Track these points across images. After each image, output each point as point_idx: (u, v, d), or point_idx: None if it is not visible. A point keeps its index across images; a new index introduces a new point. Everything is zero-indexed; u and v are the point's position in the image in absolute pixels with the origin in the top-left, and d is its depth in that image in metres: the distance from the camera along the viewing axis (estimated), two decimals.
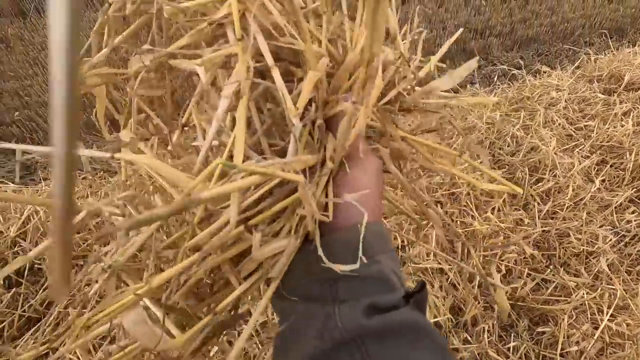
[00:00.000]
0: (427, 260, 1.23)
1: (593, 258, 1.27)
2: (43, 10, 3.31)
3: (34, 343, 1.04)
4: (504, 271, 1.22)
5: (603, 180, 1.53)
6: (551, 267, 1.26)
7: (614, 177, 1.56)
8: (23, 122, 2.29)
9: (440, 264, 1.23)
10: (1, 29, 3.08)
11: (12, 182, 1.81)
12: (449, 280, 1.19)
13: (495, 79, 2.44)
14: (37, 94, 2.48)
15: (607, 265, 1.21)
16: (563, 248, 1.32)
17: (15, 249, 1.22)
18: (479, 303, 1.14)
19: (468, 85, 2.46)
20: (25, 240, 1.24)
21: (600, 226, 1.35)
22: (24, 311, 1.10)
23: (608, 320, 1.06)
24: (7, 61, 2.76)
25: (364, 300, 0.25)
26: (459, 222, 1.35)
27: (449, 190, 1.45)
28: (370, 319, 0.24)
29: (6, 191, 1.46)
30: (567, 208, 1.40)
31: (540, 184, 1.52)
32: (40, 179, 1.82)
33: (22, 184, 1.97)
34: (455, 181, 1.47)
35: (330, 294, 0.26)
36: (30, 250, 1.20)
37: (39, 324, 1.10)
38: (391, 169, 0.34)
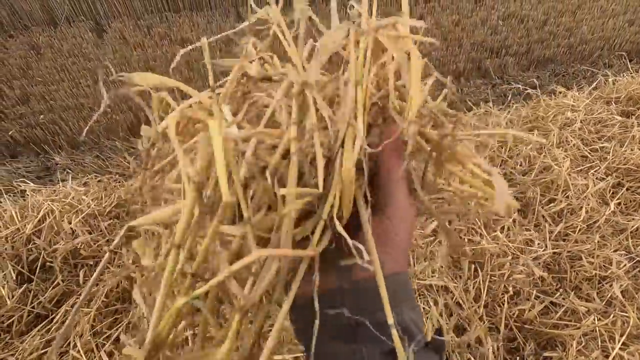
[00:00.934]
0: (432, 277, 1.22)
1: (606, 283, 1.23)
2: (73, 20, 3.49)
3: (40, 340, 1.07)
4: (511, 292, 1.19)
5: (618, 204, 1.49)
6: (561, 290, 1.22)
7: (630, 201, 1.51)
8: (47, 125, 2.39)
9: (445, 280, 1.21)
10: (33, 37, 3.25)
11: (32, 182, 1.88)
12: (454, 298, 1.17)
13: (510, 97, 2.43)
14: (62, 98, 2.59)
15: (621, 292, 1.17)
16: (574, 271, 1.28)
17: (30, 246, 1.26)
18: (484, 323, 1.11)
19: (482, 103, 2.45)
20: (39, 238, 1.28)
21: (615, 250, 1.31)
22: (33, 307, 1.13)
23: (620, 348, 1.02)
24: (37, 67, 2.90)
25: (385, 345, 0.26)
26: (466, 240, 1.33)
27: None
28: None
29: (25, 191, 1.52)
30: (579, 230, 1.37)
31: (552, 204, 1.49)
32: (58, 180, 1.89)
33: (41, 184, 2.04)
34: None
35: (352, 335, 0.27)
36: (44, 248, 1.24)
37: (46, 321, 1.12)
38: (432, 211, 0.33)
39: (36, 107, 2.52)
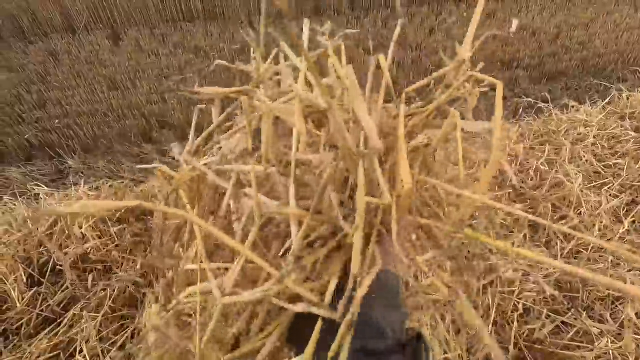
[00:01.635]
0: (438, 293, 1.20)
1: (620, 304, 1.19)
2: (91, 28, 3.59)
3: (47, 344, 1.08)
4: (521, 310, 1.16)
5: (633, 222, 1.46)
6: (573, 310, 1.19)
7: None
8: (62, 129, 2.45)
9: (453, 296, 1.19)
10: (52, 43, 3.35)
11: (46, 186, 1.92)
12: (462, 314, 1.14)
13: (521, 111, 2.41)
14: (78, 104, 2.65)
15: (635, 314, 1.13)
16: (587, 291, 1.25)
17: (41, 249, 1.28)
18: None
19: (491, 117, 2.44)
20: (51, 242, 1.30)
21: (629, 270, 1.28)
22: (41, 311, 1.14)
23: None
24: (54, 73, 2.98)
25: (356, 342, 0.28)
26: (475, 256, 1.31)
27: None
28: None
29: (38, 194, 1.55)
30: (592, 249, 1.34)
31: (564, 221, 1.46)
32: (71, 184, 1.92)
33: (55, 188, 2.08)
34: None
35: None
36: (54, 252, 1.26)
37: (54, 325, 1.13)
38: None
39: (52, 112, 2.59)
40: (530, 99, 2.55)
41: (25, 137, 2.39)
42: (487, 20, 3.87)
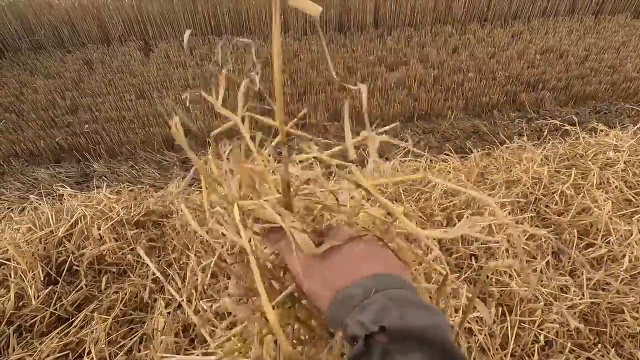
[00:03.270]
0: (455, 316, 1.15)
1: None
2: (125, 39, 3.77)
3: (58, 343, 1.09)
4: (542, 342, 1.09)
5: None
6: (600, 346, 1.11)
7: None
8: (90, 134, 2.55)
9: (469, 323, 1.14)
10: (88, 53, 3.53)
11: (70, 188, 1.99)
12: (478, 342, 1.09)
13: (546, 133, 2.34)
14: (107, 110, 2.77)
15: None
16: (615, 326, 1.17)
17: (60, 249, 1.31)
18: None
19: (515, 137, 2.38)
20: (70, 242, 1.33)
21: None
22: (55, 309, 1.16)
23: None
24: (88, 80, 3.13)
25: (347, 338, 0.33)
26: (494, 280, 1.26)
27: (485, 244, 1.36)
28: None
29: (62, 195, 1.60)
30: (622, 281, 1.25)
31: (591, 249, 1.38)
32: (94, 187, 1.98)
33: (79, 190, 2.15)
34: (492, 233, 1.39)
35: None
36: (73, 252, 1.29)
37: (66, 325, 1.15)
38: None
39: (83, 117, 2.71)
40: (556, 122, 2.48)
41: (57, 140, 2.50)
42: (511, 41, 3.83)
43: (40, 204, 1.55)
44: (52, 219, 1.40)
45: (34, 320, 1.12)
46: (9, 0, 3.48)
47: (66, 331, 1.11)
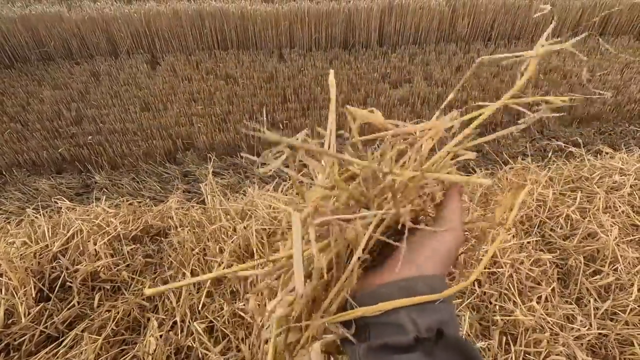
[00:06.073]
0: None
1: None
2: (132, 52, 3.82)
3: None
4: None
5: None
6: None
7: None
8: (93, 145, 2.55)
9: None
10: (95, 65, 3.58)
11: (70, 199, 1.98)
12: None
13: (550, 154, 2.32)
14: (111, 122, 2.78)
15: None
16: (625, 358, 1.12)
17: (54, 263, 1.29)
18: None
19: (519, 157, 2.36)
20: (64, 257, 1.31)
21: None
22: (45, 327, 1.13)
23: None
24: (94, 92, 3.16)
25: (378, 341, 0.31)
26: (497, 307, 1.22)
27: (489, 268, 1.33)
28: (378, 356, 0.30)
29: (61, 207, 1.58)
30: (630, 311, 1.21)
31: (597, 276, 1.34)
32: (94, 198, 1.97)
33: (79, 201, 2.14)
34: (497, 259, 1.36)
35: (362, 335, 0.33)
36: (67, 267, 1.27)
37: (55, 344, 1.11)
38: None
39: (87, 128, 2.72)
40: (560, 143, 2.46)
41: (59, 150, 2.51)
42: (515, 60, 3.84)
43: (37, 217, 1.53)
44: (48, 232, 1.38)
45: (22, 339, 1.09)
46: (21, 12, 3.56)
47: (54, 351, 1.08)
